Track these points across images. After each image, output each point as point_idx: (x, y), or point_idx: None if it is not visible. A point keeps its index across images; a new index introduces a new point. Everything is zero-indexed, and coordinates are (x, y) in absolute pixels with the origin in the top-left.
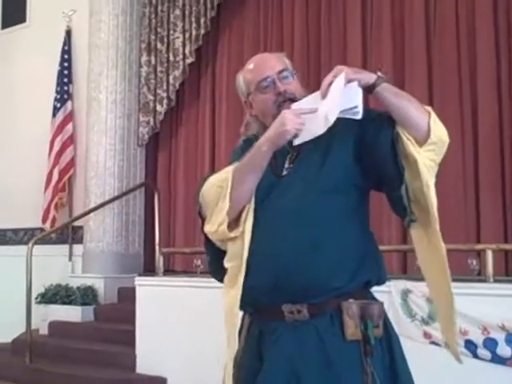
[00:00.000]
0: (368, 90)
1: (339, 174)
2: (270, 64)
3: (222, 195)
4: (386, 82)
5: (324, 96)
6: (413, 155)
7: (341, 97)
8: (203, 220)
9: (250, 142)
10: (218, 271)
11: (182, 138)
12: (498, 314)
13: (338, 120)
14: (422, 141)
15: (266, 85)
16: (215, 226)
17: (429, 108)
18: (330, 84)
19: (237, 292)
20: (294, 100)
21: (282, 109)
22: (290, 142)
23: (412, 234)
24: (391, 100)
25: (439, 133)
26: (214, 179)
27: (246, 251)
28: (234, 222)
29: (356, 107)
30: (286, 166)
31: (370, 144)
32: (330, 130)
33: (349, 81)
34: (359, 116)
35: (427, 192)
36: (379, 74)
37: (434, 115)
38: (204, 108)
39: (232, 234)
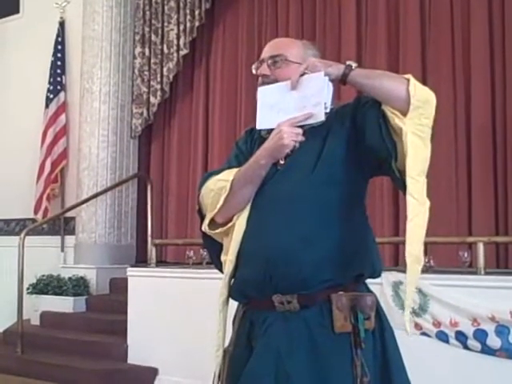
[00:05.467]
0: (341, 81)
1: (336, 165)
2: (267, 48)
3: (220, 201)
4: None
5: (294, 87)
6: (398, 126)
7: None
8: (202, 219)
9: (252, 133)
10: (218, 264)
11: (176, 130)
12: (488, 306)
13: (334, 111)
14: (406, 109)
15: (257, 66)
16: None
17: (408, 75)
18: (301, 76)
19: (224, 284)
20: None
21: None
22: None
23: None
24: (365, 84)
25: (421, 95)
26: (213, 185)
27: (232, 248)
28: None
29: (321, 102)
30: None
31: (360, 127)
32: (327, 120)
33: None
34: (327, 110)
35: (406, 160)
36: (347, 63)
37: (413, 81)
38: (198, 100)
39: (217, 231)
